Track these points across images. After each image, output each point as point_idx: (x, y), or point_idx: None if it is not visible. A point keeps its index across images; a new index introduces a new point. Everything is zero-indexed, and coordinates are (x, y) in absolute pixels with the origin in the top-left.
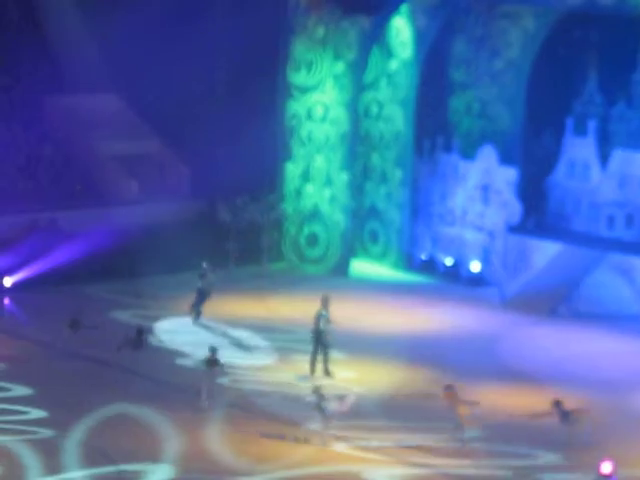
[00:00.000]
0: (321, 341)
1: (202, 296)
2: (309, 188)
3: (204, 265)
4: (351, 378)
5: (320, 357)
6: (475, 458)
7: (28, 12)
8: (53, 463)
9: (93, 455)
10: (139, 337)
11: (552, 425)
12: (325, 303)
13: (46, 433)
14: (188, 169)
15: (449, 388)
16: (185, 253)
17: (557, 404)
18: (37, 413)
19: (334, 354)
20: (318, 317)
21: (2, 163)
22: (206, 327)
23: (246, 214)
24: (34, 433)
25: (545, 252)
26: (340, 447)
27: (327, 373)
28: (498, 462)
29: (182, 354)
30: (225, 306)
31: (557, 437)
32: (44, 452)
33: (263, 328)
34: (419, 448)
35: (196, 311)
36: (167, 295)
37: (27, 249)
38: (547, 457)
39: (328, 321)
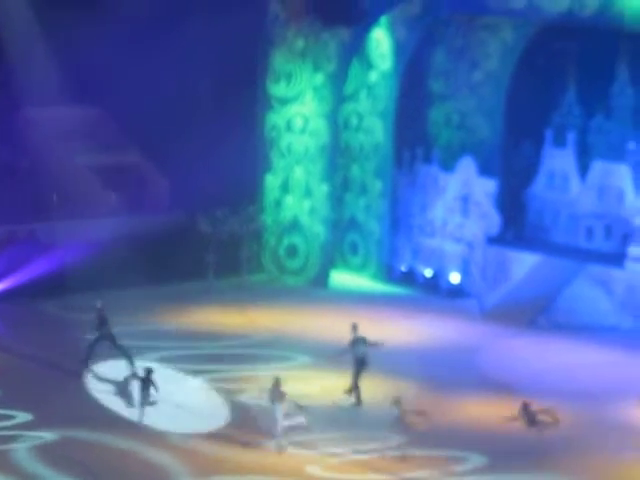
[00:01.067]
0: (359, 366)
1: (124, 350)
2: (289, 199)
3: (98, 305)
4: (329, 387)
5: (356, 379)
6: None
7: None
8: None
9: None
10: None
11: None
12: (355, 330)
13: None
14: (168, 181)
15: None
16: (166, 265)
17: (524, 407)
18: None
19: (314, 365)
20: (352, 344)
21: None
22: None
23: (226, 226)
24: None
25: (524, 263)
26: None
27: (350, 392)
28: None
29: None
30: (206, 318)
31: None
32: None
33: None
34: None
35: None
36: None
37: (5, 261)
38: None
39: (365, 344)
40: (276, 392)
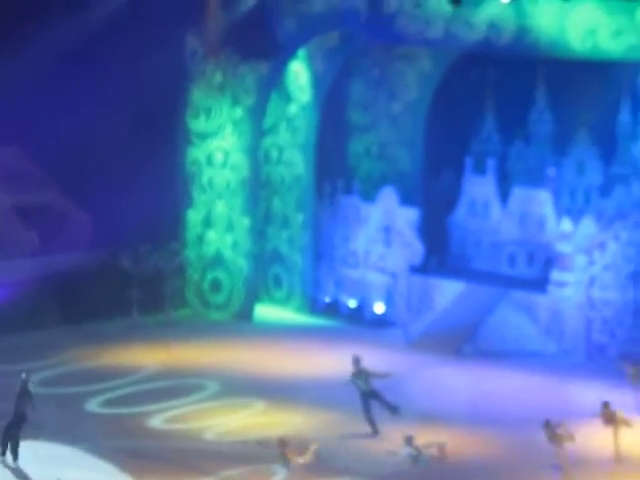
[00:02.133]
0: (366, 398)
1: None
2: (211, 234)
3: (23, 376)
4: (250, 423)
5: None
6: None
7: None
8: None
9: None
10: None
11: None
12: (357, 363)
13: None
14: (89, 218)
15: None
16: (88, 303)
17: (408, 440)
18: None
19: (237, 400)
20: (355, 379)
21: None
22: None
23: (149, 262)
24: None
25: (448, 292)
26: None
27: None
28: None
29: None
30: (130, 355)
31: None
32: None
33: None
34: None
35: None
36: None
37: None
38: None
39: (367, 379)
40: None
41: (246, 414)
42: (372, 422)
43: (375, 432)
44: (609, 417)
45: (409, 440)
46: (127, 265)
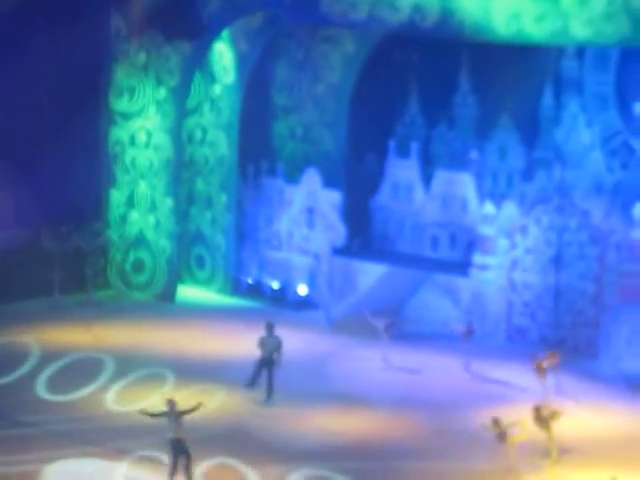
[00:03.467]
0: (263, 365)
1: None
2: (134, 214)
3: None
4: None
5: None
6: None
7: None
8: None
9: None
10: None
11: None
12: (269, 329)
13: None
14: (10, 197)
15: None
16: (9, 283)
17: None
18: None
19: (161, 380)
20: (262, 342)
21: None
22: None
23: (71, 242)
24: None
25: (371, 274)
26: None
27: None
28: None
29: None
30: (52, 335)
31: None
32: None
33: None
34: None
35: None
36: None
37: None
38: None
39: (278, 348)
40: None
41: (162, 394)
42: (253, 380)
43: (249, 386)
44: (539, 418)
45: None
46: (49, 245)
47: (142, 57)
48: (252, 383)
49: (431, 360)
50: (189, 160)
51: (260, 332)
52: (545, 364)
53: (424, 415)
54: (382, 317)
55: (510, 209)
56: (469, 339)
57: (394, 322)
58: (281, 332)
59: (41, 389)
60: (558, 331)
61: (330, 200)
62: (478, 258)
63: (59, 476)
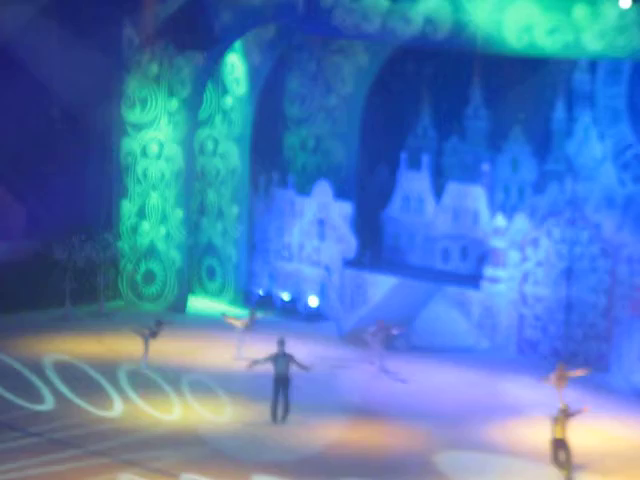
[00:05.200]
0: (277, 383)
1: None
2: (145, 225)
3: None
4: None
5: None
6: None
7: None
8: None
9: None
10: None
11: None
12: (281, 345)
13: None
14: (23, 208)
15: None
16: (22, 294)
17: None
18: None
19: (168, 390)
20: (274, 358)
21: None
22: None
23: (82, 253)
24: None
25: (381, 286)
26: None
27: (283, 419)
28: None
29: None
30: (63, 346)
31: (385, 466)
32: None
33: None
34: None
35: None
36: None
37: None
38: None
39: (288, 363)
40: None
41: (172, 405)
42: (274, 408)
43: (273, 419)
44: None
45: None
46: (60, 255)
47: (154, 68)
48: (274, 407)
49: (441, 372)
50: (201, 171)
51: (270, 344)
52: (570, 374)
53: (434, 427)
54: (379, 332)
55: (521, 222)
56: None
57: (390, 334)
58: (292, 343)
59: (50, 399)
60: (569, 344)
61: (341, 212)
62: (489, 271)
63: None
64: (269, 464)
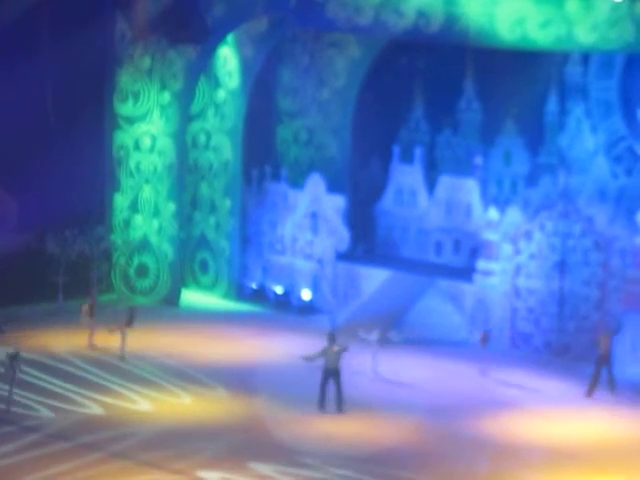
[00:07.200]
0: (328, 376)
1: None
2: (138, 219)
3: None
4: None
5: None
6: None
7: None
8: None
9: None
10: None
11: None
12: (331, 340)
13: None
14: (16, 202)
15: None
16: (13, 287)
17: None
18: None
19: (164, 384)
20: (325, 353)
21: None
22: None
23: (75, 246)
24: None
25: (374, 279)
26: None
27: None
28: None
29: None
30: (55, 340)
31: (379, 459)
32: None
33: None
34: None
35: None
36: None
37: None
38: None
39: (338, 356)
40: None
41: (166, 399)
42: (322, 399)
43: (321, 409)
44: None
45: None
46: (53, 249)
47: (147, 61)
48: (322, 399)
49: (434, 365)
50: (193, 165)
51: (263, 338)
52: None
53: (427, 420)
54: (374, 330)
55: (514, 215)
56: (485, 346)
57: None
58: (284, 337)
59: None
60: (562, 337)
61: (334, 205)
62: (482, 264)
63: None
64: (263, 457)
